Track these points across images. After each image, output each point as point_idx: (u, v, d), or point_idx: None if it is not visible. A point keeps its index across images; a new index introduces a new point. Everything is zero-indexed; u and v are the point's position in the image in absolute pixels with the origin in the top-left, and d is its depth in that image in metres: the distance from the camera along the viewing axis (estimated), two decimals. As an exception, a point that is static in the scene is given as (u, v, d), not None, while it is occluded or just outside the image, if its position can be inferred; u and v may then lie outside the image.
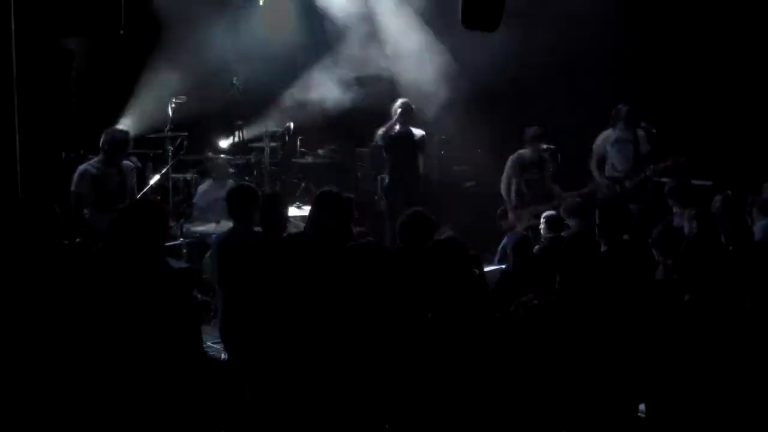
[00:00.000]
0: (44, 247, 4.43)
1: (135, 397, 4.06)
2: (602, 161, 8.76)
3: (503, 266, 7.01)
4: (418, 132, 8.93)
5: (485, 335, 3.92)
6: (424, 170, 9.11)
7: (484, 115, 9.56)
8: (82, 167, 7.55)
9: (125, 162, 7.76)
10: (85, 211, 7.44)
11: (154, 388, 4.09)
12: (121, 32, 6.19)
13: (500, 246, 8.05)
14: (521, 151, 8.70)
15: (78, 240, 7.05)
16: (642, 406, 4.45)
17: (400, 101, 8.88)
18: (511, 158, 8.71)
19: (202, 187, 8.78)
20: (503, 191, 8.73)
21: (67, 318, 4.12)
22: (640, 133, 8.67)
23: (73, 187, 7.49)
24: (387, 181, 9.08)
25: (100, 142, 7.52)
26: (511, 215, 8.65)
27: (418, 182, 8.97)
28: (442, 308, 3.95)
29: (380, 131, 8.88)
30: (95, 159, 7.60)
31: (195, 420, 4.29)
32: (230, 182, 8.61)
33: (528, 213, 8.51)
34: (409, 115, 8.83)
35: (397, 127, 8.80)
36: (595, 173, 8.79)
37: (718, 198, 7.05)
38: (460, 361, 3.89)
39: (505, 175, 8.73)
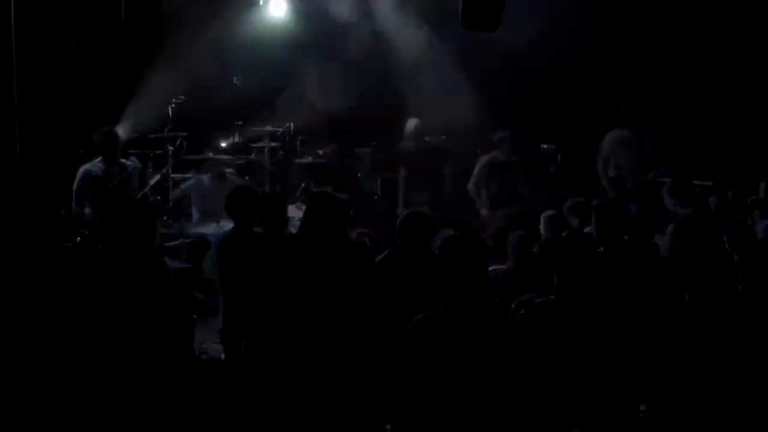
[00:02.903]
0: (45, 248, 4.43)
1: (124, 397, 4.07)
2: (608, 162, 8.81)
3: (503, 266, 7.01)
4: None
5: (494, 334, 3.91)
6: None
7: (487, 115, 9.56)
8: (83, 167, 7.56)
9: (127, 162, 7.77)
10: (87, 210, 7.44)
11: (143, 388, 4.09)
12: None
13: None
14: (492, 154, 8.77)
15: (79, 240, 7.05)
16: (642, 406, 4.46)
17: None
18: (482, 160, 8.77)
19: (197, 181, 8.75)
20: (472, 192, 8.79)
21: (63, 319, 4.13)
22: (645, 134, 8.71)
23: (74, 187, 7.50)
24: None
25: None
26: (484, 212, 8.71)
27: None
28: (455, 304, 3.91)
29: None
30: (97, 159, 7.61)
31: (185, 421, 4.29)
32: (230, 180, 8.60)
33: (501, 215, 8.56)
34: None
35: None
36: (601, 173, 8.83)
37: (713, 198, 7.09)
38: (465, 360, 3.88)
39: (474, 177, 8.79)
